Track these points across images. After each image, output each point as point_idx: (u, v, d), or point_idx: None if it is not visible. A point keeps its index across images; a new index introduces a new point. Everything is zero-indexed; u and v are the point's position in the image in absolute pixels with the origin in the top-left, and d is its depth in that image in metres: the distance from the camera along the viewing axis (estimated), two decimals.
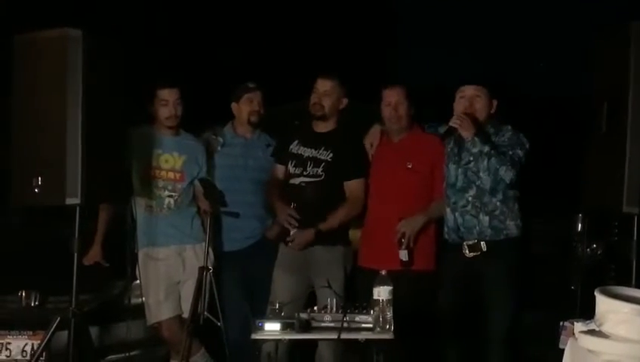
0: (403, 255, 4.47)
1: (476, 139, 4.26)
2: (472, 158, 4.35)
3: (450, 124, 4.32)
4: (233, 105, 5.09)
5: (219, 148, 5.05)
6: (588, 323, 2.57)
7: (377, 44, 12.03)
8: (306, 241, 4.67)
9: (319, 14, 10.90)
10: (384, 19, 12.42)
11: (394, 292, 3.72)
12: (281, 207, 4.82)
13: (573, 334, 2.64)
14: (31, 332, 4.73)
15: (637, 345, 2.36)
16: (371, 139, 4.85)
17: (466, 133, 4.27)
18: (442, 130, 4.42)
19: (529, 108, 6.01)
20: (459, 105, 4.41)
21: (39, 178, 4.02)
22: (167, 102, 4.82)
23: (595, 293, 2.55)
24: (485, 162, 4.25)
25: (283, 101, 5.92)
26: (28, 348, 4.72)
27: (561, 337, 2.93)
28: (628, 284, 3.61)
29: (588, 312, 2.63)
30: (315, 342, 4.44)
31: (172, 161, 4.88)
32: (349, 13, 11.46)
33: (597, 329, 2.51)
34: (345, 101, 4.85)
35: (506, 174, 4.24)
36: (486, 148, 4.25)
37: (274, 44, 9.85)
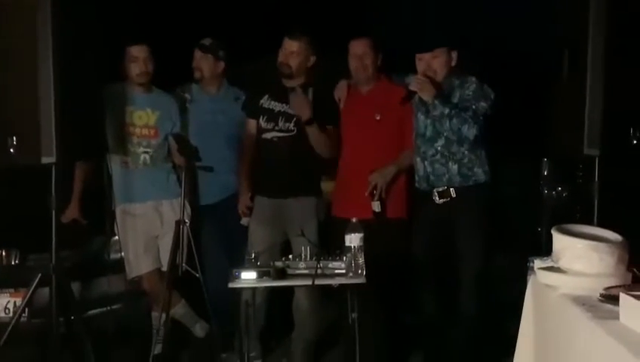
0: (376, 206, 4.53)
1: (436, 101, 4.31)
2: (437, 117, 4.40)
3: (411, 87, 4.36)
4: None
5: (187, 104, 5.08)
6: (545, 260, 2.63)
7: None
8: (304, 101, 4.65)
9: None
10: None
11: (368, 240, 3.79)
12: (243, 193, 4.89)
13: (535, 270, 2.70)
14: (12, 290, 4.77)
15: (591, 279, 2.41)
16: (339, 94, 4.87)
17: (426, 96, 4.32)
18: (407, 88, 4.43)
19: (494, 58, 6.02)
20: (419, 67, 4.43)
21: (13, 138, 3.99)
22: (138, 58, 4.80)
23: (552, 231, 2.60)
24: (447, 123, 4.31)
25: (254, 55, 5.90)
26: (10, 306, 4.77)
27: (528, 275, 3.00)
28: (591, 224, 3.73)
29: (550, 250, 2.63)
30: (291, 289, 4.54)
31: (145, 117, 4.89)
32: None
33: (555, 265, 2.56)
34: (313, 59, 4.83)
35: (469, 132, 4.27)
36: (447, 110, 4.29)
37: None
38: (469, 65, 4.59)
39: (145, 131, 4.90)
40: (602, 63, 3.62)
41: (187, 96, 5.10)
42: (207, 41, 5.11)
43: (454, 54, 4.47)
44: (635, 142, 4.00)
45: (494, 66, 4.92)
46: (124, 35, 4.98)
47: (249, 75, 5.33)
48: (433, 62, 4.42)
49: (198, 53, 5.09)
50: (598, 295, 2.29)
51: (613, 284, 2.33)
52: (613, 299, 2.16)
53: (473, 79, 4.47)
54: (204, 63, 5.07)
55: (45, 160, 4.00)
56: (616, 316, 2.05)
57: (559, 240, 2.58)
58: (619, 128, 3.76)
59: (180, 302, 4.87)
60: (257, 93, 4.95)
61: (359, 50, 4.70)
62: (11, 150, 4.03)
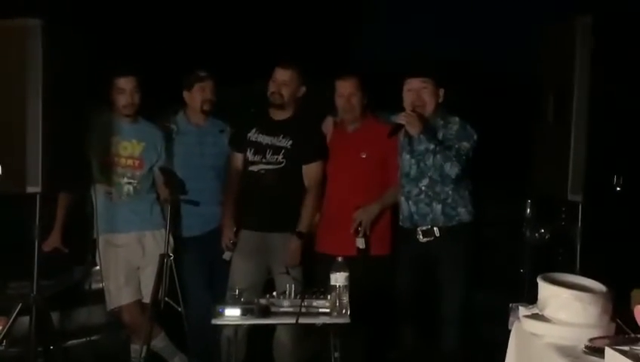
0: (360, 243, 4.55)
1: (422, 137, 4.35)
2: (421, 153, 4.44)
3: (399, 121, 4.39)
4: (185, 93, 5.08)
5: (173, 136, 5.07)
6: (531, 308, 2.65)
7: (339, 25, 11.94)
8: (298, 250, 4.72)
9: None
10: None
11: (351, 277, 3.78)
12: (226, 227, 4.90)
13: (519, 317, 2.72)
14: None
15: (575, 329, 2.44)
16: (325, 130, 4.92)
17: (414, 130, 4.34)
18: (394, 121, 4.45)
19: (479, 95, 6.07)
20: (407, 99, 4.47)
21: None
22: (124, 90, 4.81)
23: (538, 280, 2.63)
24: (431, 159, 4.36)
25: (237, 83, 5.92)
26: None
27: (510, 319, 3.02)
28: (573, 268, 3.76)
29: (536, 294, 2.65)
30: (273, 327, 4.53)
31: (130, 147, 4.89)
32: None
33: (540, 313, 2.59)
34: (303, 89, 4.87)
35: (451, 170, 4.31)
36: (431, 146, 4.34)
37: (228, 24, 9.81)
38: (455, 103, 4.64)
39: (130, 162, 4.89)
40: (587, 110, 3.64)
41: (174, 127, 5.09)
42: (203, 73, 5.10)
43: (441, 91, 4.52)
44: (618, 188, 4.06)
45: (480, 106, 4.94)
46: (112, 66, 4.98)
47: (234, 107, 5.32)
48: (423, 93, 4.47)
49: (209, 84, 5.08)
50: (583, 346, 2.32)
51: (598, 335, 2.37)
52: (598, 352, 2.19)
53: (457, 119, 4.51)
54: (212, 95, 5.07)
55: (30, 189, 3.99)
56: None
57: (545, 289, 2.61)
58: (603, 175, 3.82)
59: (160, 334, 4.83)
60: (244, 126, 4.96)
61: (346, 90, 4.74)
62: None
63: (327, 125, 4.94)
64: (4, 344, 4.21)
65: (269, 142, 4.85)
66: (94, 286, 5.06)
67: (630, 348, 2.02)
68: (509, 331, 2.91)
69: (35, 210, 4.11)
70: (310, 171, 4.82)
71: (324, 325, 3.77)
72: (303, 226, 4.73)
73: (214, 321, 3.77)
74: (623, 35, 3.86)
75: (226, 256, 4.90)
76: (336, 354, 3.81)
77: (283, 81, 4.81)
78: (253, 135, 4.90)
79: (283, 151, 4.80)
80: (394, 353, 4.73)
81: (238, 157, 4.96)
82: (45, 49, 3.96)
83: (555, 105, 3.88)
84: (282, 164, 4.81)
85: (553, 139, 3.87)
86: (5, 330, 4.17)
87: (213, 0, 9.65)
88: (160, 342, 4.85)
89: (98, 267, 4.92)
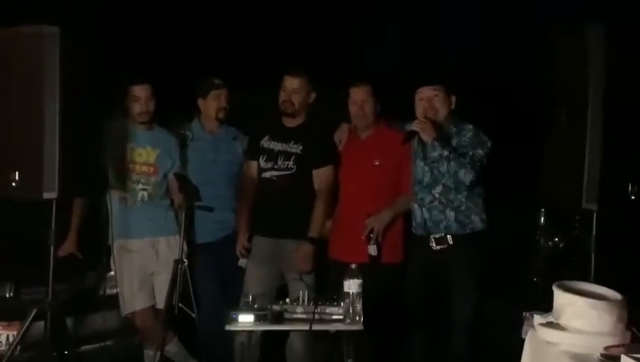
0: (372, 250, 4.54)
1: (436, 143, 4.37)
2: (435, 160, 4.46)
3: (412, 127, 4.41)
4: (200, 101, 5.10)
5: (188, 142, 5.08)
6: (546, 316, 2.66)
7: (342, 31, 11.98)
8: (309, 256, 4.71)
9: (282, 5, 10.88)
10: (347, 7, 12.38)
11: (363, 283, 3.78)
12: (241, 235, 4.90)
13: (534, 325, 2.73)
14: (6, 323, 4.74)
15: (590, 337, 2.45)
16: (340, 136, 4.93)
17: (427, 137, 4.37)
18: (408, 128, 4.47)
19: (492, 103, 6.07)
20: (419, 108, 4.49)
21: (17, 172, 4.02)
22: (139, 98, 4.84)
23: (553, 288, 2.64)
24: (445, 165, 4.38)
25: (250, 91, 5.94)
26: (3, 339, 4.73)
27: (524, 327, 3.03)
28: (588, 276, 3.76)
29: (549, 302, 2.67)
30: (286, 333, 4.53)
31: (145, 154, 4.91)
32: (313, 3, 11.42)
33: (555, 321, 2.60)
34: (313, 96, 4.90)
35: (465, 177, 4.34)
36: (445, 153, 4.36)
37: (240, 35, 9.86)
38: (468, 110, 4.65)
39: (144, 168, 4.91)
40: (601, 121, 3.64)
41: (188, 134, 5.11)
42: (218, 81, 5.11)
43: (453, 98, 4.54)
44: (633, 197, 4.06)
45: (494, 114, 4.95)
46: (127, 74, 5.01)
47: (247, 116, 5.33)
48: (434, 101, 4.49)
49: (223, 92, 5.08)
50: (599, 354, 2.33)
51: (613, 343, 2.38)
52: (614, 360, 2.20)
53: (470, 126, 4.53)
54: (226, 103, 5.08)
55: (47, 195, 4.03)
56: None
57: (560, 297, 2.63)
58: (617, 184, 3.81)
59: (173, 339, 4.85)
60: (258, 134, 4.99)
61: (359, 97, 4.75)
62: (13, 184, 4.06)
63: (342, 132, 4.95)
64: (18, 349, 4.22)
65: (281, 149, 4.87)
66: (109, 291, 5.07)
67: None
68: (523, 339, 2.91)
69: (50, 216, 4.14)
70: (320, 175, 4.82)
71: (338, 332, 3.77)
72: (313, 231, 4.73)
73: (228, 327, 3.78)
74: (636, 45, 3.86)
75: (242, 263, 4.91)
76: (349, 361, 3.82)
77: (293, 89, 4.84)
78: (265, 142, 4.93)
79: (294, 157, 4.83)
80: (405, 360, 4.72)
81: (253, 166, 4.99)
82: (62, 56, 3.99)
83: (568, 116, 3.87)
84: (293, 170, 4.83)
85: (567, 149, 3.85)
86: (20, 335, 4.20)
87: (226, 9, 9.72)
88: (173, 348, 4.87)
89: (112, 272, 4.96)
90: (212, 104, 5.08)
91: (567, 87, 3.89)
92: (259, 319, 3.75)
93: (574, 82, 3.78)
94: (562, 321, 2.57)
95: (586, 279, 3.10)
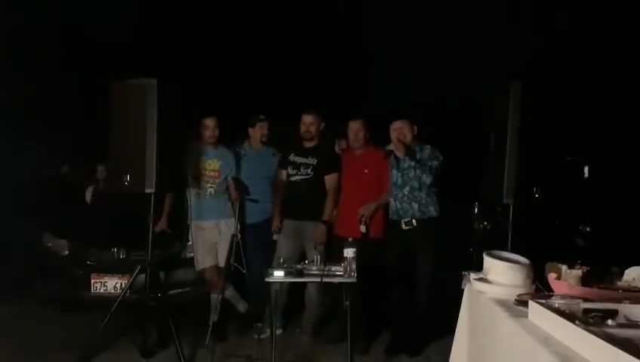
0: (363, 229, 4.54)
1: (406, 158, 4.39)
2: (405, 169, 4.45)
3: (390, 148, 4.43)
4: (250, 129, 5.10)
5: (241, 157, 5.08)
6: (478, 274, 2.65)
7: (350, 77, 12.02)
8: (324, 233, 4.69)
9: (308, 60, 10.93)
10: (355, 59, 12.40)
11: (357, 251, 3.81)
12: (275, 218, 4.89)
13: (470, 280, 2.72)
14: (120, 275, 4.84)
15: (508, 288, 2.44)
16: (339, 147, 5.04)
17: (400, 153, 4.37)
18: (387, 148, 4.48)
19: (445, 129, 6.06)
20: (393, 134, 4.48)
21: (127, 175, 4.11)
22: (209, 126, 4.85)
23: (484, 254, 2.64)
24: (412, 172, 4.39)
25: (281, 122, 5.94)
26: (118, 285, 4.82)
27: (463, 281, 3.01)
28: (505, 249, 3.73)
29: (481, 265, 2.66)
30: (305, 283, 4.53)
31: (212, 164, 4.91)
32: (328, 57, 11.45)
33: (484, 277, 2.60)
34: (323, 125, 4.90)
35: (427, 179, 4.36)
36: (412, 163, 4.38)
37: (273, 83, 9.94)
38: (427, 135, 4.64)
39: (212, 173, 4.91)
40: (517, 145, 3.65)
41: (242, 151, 5.11)
42: (262, 116, 5.12)
43: (415, 127, 4.54)
44: (537, 195, 4.05)
45: (444, 139, 4.94)
46: (201, 110, 5.03)
47: (280, 140, 5.32)
48: (403, 129, 4.48)
49: (265, 124, 5.06)
50: (513, 300, 2.32)
51: (523, 293, 2.37)
52: (524, 303, 2.19)
53: (429, 146, 4.54)
54: (267, 131, 5.06)
55: (148, 190, 4.09)
56: (525, 315, 2.09)
57: (488, 261, 2.62)
58: (526, 186, 3.79)
59: (229, 287, 4.83)
60: (287, 152, 4.99)
61: (355, 127, 4.74)
62: (126, 183, 4.11)
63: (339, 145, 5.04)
64: (127, 293, 4.25)
65: (302, 161, 4.87)
66: (188, 255, 5.06)
67: (545, 301, 2.03)
68: (462, 290, 2.90)
69: (150, 205, 4.19)
70: (329, 180, 4.81)
71: (340, 283, 3.78)
72: (326, 216, 4.73)
73: (267, 279, 3.80)
74: (543, 94, 3.86)
75: (275, 237, 4.90)
76: (347, 303, 3.82)
77: (309, 122, 4.84)
78: (292, 157, 4.93)
79: (311, 167, 4.82)
80: (384, 305, 4.71)
81: (284, 173, 4.98)
82: (159, 99, 4.06)
83: (495, 141, 3.87)
84: (311, 176, 4.82)
85: (494, 163, 3.85)
86: (129, 284, 4.27)
87: (267, 69, 9.80)
88: (230, 293, 4.86)
89: (190, 242, 4.99)
90: (257, 132, 5.08)
91: (495, 122, 3.88)
92: (287, 274, 3.77)
93: (500, 120, 3.77)
94: (489, 277, 2.56)
95: (505, 250, 3.08)
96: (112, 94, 4.21)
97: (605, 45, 10.64)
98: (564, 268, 2.35)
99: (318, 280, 3.77)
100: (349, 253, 3.75)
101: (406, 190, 4.49)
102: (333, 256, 4.17)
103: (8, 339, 4.57)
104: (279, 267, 3.87)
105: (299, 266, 3.86)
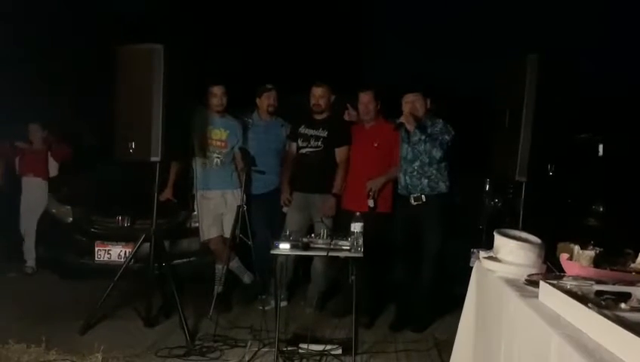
0: (370, 203, 4.52)
1: (417, 130, 4.33)
2: (415, 143, 4.41)
3: (400, 120, 4.37)
4: (257, 99, 5.05)
5: (249, 127, 5.04)
6: (488, 252, 2.63)
7: (356, 47, 11.89)
8: (333, 205, 4.68)
9: (319, 30, 10.82)
10: (362, 28, 12.25)
11: (364, 226, 3.76)
12: (284, 191, 4.88)
13: (479, 258, 2.69)
14: (124, 243, 4.88)
15: (518, 267, 2.42)
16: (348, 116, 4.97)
17: (410, 127, 4.33)
18: (397, 121, 4.43)
19: (458, 104, 5.96)
20: (405, 107, 4.42)
21: (133, 142, 4.09)
22: (216, 94, 4.80)
23: (494, 233, 2.61)
24: (422, 146, 4.34)
25: (291, 93, 5.89)
26: (122, 254, 4.87)
27: (472, 259, 2.98)
28: (516, 227, 3.70)
29: (491, 243, 2.64)
30: (311, 257, 4.52)
31: (219, 134, 4.88)
32: (340, 27, 11.32)
33: (494, 256, 2.57)
34: (333, 97, 4.86)
35: (436, 154, 4.31)
36: (423, 137, 4.32)
37: (284, 53, 9.86)
38: (441, 110, 4.57)
39: (218, 143, 4.88)
40: (532, 121, 3.60)
41: (250, 121, 5.06)
42: (269, 85, 5.06)
43: (428, 101, 4.48)
44: (550, 173, 4.00)
45: (459, 114, 4.86)
46: (209, 78, 4.97)
47: (291, 111, 5.27)
48: (416, 102, 4.43)
49: (273, 94, 5.01)
50: (524, 279, 2.30)
51: (534, 273, 2.35)
52: (534, 284, 2.17)
53: (440, 120, 4.47)
54: (275, 101, 5.01)
55: (153, 158, 4.09)
56: (535, 295, 2.06)
57: (498, 239, 2.59)
58: (540, 164, 3.75)
59: (235, 258, 4.86)
60: (297, 123, 4.95)
61: (365, 99, 4.69)
62: (131, 150, 4.10)
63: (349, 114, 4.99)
64: (132, 261, 4.29)
65: (313, 134, 4.83)
66: (193, 225, 5.07)
67: (557, 282, 2.01)
68: (471, 268, 2.88)
69: (155, 173, 4.18)
70: (340, 152, 4.78)
71: (346, 257, 3.76)
72: (336, 189, 4.71)
73: (272, 252, 3.77)
74: (559, 69, 3.79)
75: (285, 209, 4.90)
76: (353, 277, 3.81)
77: (319, 95, 4.80)
78: (302, 129, 4.89)
79: (321, 139, 4.79)
80: (391, 278, 4.71)
81: (293, 145, 4.95)
82: (165, 65, 4.02)
83: (510, 117, 3.82)
84: (321, 148, 4.79)
85: (508, 140, 3.82)
86: (133, 252, 4.28)
87: (278, 38, 9.70)
88: (235, 264, 4.89)
89: (195, 212, 4.98)
90: (264, 101, 5.03)
91: (510, 98, 3.84)
92: (293, 247, 3.74)
93: (516, 95, 3.73)
94: (499, 256, 2.54)
95: (516, 228, 3.06)
96: (117, 59, 4.16)
97: (623, 22, 10.44)
98: (576, 248, 2.33)
99: (325, 253, 3.74)
100: (356, 227, 3.71)
101: (416, 165, 4.45)
102: (340, 229, 4.15)
103: (13, 305, 4.62)
104: (285, 239, 3.84)
105: (305, 239, 3.83)
